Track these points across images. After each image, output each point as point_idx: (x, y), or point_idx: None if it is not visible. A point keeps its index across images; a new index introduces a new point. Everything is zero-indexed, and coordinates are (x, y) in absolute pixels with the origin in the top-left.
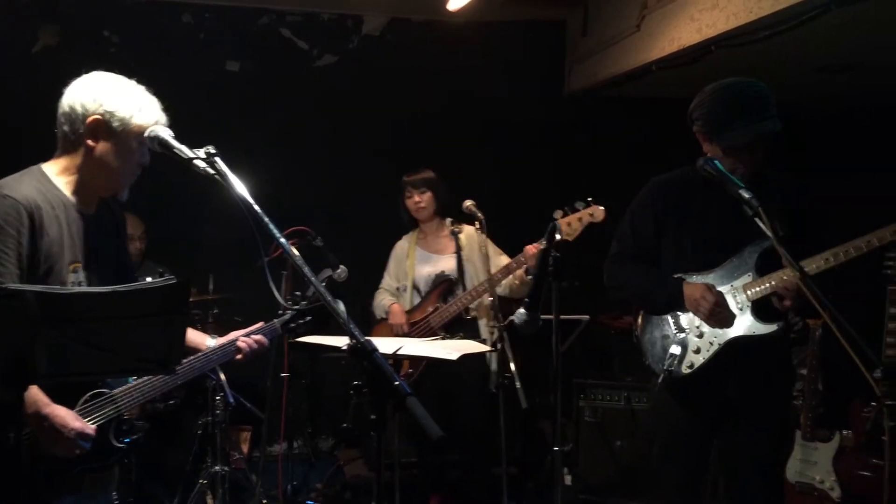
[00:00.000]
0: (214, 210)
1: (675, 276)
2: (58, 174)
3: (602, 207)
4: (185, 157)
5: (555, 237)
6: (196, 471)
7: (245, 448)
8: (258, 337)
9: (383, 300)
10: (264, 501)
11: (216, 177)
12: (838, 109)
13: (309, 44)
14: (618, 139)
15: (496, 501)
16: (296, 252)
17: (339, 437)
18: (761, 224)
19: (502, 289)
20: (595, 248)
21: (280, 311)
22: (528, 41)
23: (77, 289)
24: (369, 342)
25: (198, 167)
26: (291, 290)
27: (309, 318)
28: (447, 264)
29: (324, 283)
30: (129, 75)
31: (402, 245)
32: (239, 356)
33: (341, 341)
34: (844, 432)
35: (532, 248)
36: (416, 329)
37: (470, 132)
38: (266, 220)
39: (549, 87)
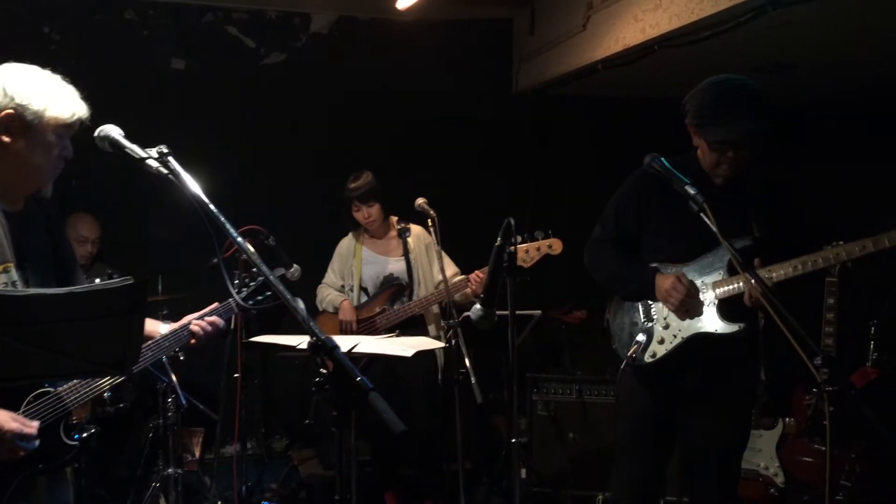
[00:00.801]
0: (162, 210)
1: (651, 265)
2: None
3: (559, 241)
4: (137, 156)
5: (510, 234)
6: (148, 474)
7: (197, 450)
8: (212, 318)
9: (330, 295)
10: (219, 502)
11: (170, 176)
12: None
13: (256, 42)
14: (566, 137)
15: (451, 497)
16: (251, 249)
17: (298, 435)
18: (706, 220)
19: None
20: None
21: (236, 291)
22: (475, 40)
23: (32, 290)
24: (330, 339)
25: (150, 167)
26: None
27: (268, 293)
28: (395, 266)
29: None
30: (71, 73)
31: (348, 244)
32: (193, 340)
33: (296, 340)
34: (787, 420)
35: (477, 275)
36: (362, 328)
37: (418, 130)
38: (222, 218)
39: (497, 86)
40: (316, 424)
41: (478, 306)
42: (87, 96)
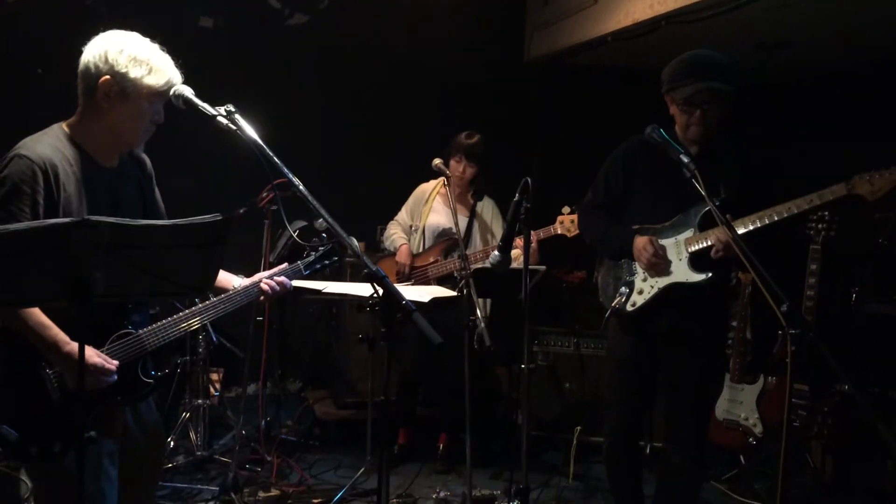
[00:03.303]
0: (188, 162)
1: (634, 227)
2: (75, 131)
3: None
4: (209, 114)
5: (527, 191)
6: (174, 406)
7: (218, 387)
8: (280, 279)
9: (395, 234)
10: (244, 432)
11: (238, 132)
12: (772, 82)
13: (281, 3)
14: (574, 105)
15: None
16: (322, 210)
17: (311, 378)
18: (696, 185)
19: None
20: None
21: (305, 253)
22: (489, 8)
23: (144, 221)
24: (380, 270)
25: (221, 123)
26: (270, 238)
27: (335, 259)
28: (458, 223)
29: (297, 233)
30: (102, 27)
31: (426, 188)
32: (262, 297)
33: (355, 289)
34: (769, 378)
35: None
36: (415, 274)
37: (431, 94)
38: (289, 175)
39: (510, 54)
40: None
41: (496, 252)
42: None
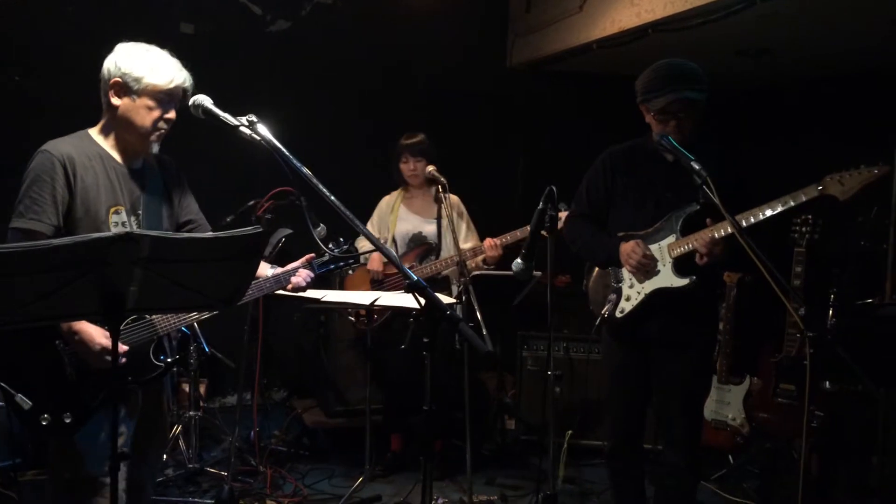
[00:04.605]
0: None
1: (619, 234)
2: (98, 133)
3: None
4: (231, 124)
5: (552, 199)
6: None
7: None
8: (308, 272)
9: (364, 247)
10: (237, 444)
11: (262, 143)
12: (749, 87)
13: (262, 9)
14: (558, 111)
15: (451, 442)
16: (329, 193)
17: (296, 387)
18: (708, 191)
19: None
20: None
21: (325, 252)
22: (472, 15)
23: (185, 234)
24: (421, 280)
25: (244, 133)
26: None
27: (353, 263)
28: (427, 228)
29: (283, 240)
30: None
31: (388, 200)
32: (290, 286)
33: (320, 294)
34: (754, 379)
35: (490, 241)
36: (390, 281)
37: (414, 101)
38: (314, 180)
39: (492, 61)
40: (409, 349)
41: (519, 260)
42: (99, 58)
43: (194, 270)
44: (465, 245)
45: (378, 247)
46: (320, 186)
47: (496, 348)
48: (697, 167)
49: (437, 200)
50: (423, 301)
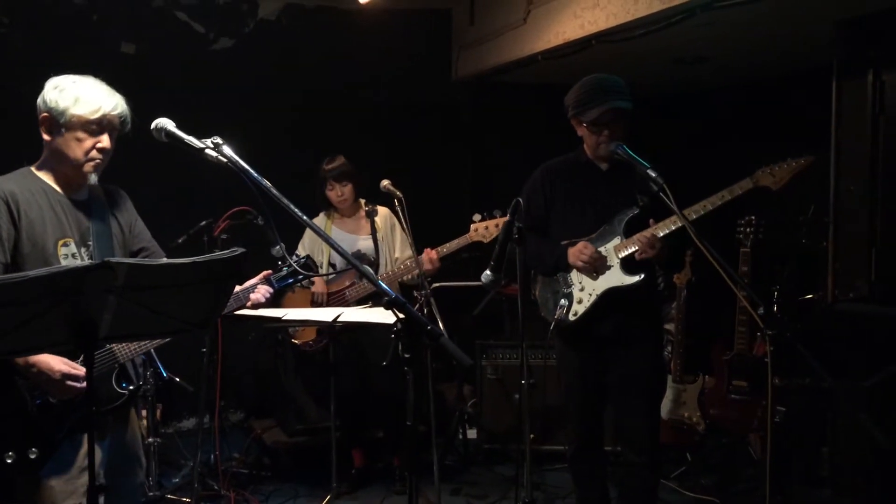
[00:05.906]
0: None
1: (563, 242)
2: (38, 168)
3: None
4: (196, 147)
5: (518, 212)
6: None
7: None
8: (265, 288)
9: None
10: (199, 469)
11: (228, 164)
12: (685, 93)
13: (205, 27)
14: (504, 121)
15: (411, 455)
16: (301, 213)
17: (254, 408)
18: (664, 197)
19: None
20: None
21: (280, 265)
22: (417, 28)
23: (163, 261)
24: (400, 297)
25: (209, 156)
26: None
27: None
28: (363, 244)
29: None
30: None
31: (318, 223)
32: (249, 303)
33: (280, 312)
34: (706, 377)
35: (427, 255)
36: (333, 300)
37: (361, 115)
38: (285, 200)
39: (437, 73)
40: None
41: (488, 272)
42: (38, 80)
43: (169, 296)
44: (404, 255)
45: (354, 265)
46: (292, 207)
47: (434, 364)
48: (654, 174)
49: (369, 215)
50: (402, 316)
